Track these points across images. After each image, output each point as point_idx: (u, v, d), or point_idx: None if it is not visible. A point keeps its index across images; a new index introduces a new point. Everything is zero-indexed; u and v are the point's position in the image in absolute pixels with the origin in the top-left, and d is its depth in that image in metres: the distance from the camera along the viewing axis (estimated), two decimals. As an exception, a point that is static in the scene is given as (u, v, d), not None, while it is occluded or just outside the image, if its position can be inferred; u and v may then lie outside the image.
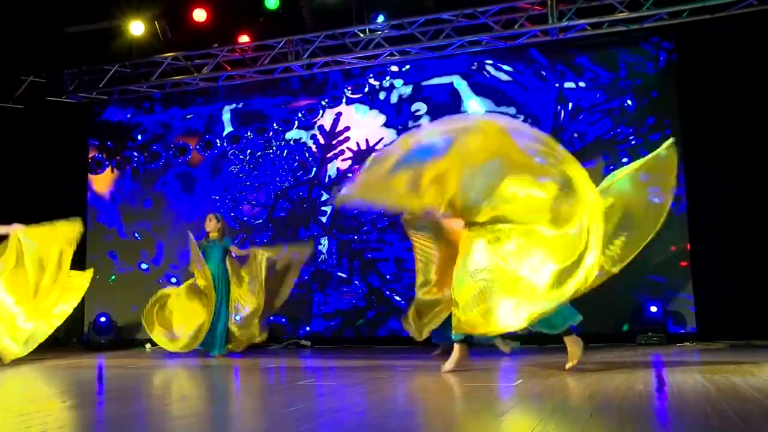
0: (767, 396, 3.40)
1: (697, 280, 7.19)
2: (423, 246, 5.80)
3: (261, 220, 8.91)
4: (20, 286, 6.33)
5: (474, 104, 8.19)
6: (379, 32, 8.16)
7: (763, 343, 6.54)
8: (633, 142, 7.56)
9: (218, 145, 9.24)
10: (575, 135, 7.77)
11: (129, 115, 9.67)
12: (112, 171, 9.63)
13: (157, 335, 7.29)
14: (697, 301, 7.16)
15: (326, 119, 8.80)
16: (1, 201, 8.69)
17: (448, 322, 6.11)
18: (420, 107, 8.40)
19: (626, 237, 4.66)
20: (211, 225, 7.42)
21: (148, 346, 8.86)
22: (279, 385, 4.53)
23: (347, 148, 8.66)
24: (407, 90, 8.50)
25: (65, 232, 6.52)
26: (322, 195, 8.70)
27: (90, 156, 9.70)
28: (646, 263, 7.33)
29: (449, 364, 4.86)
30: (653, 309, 7.01)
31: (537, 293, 4.35)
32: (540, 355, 6.05)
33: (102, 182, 9.64)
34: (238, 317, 7.25)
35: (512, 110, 8.04)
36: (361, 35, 8.25)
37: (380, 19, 8.30)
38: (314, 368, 5.75)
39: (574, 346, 4.77)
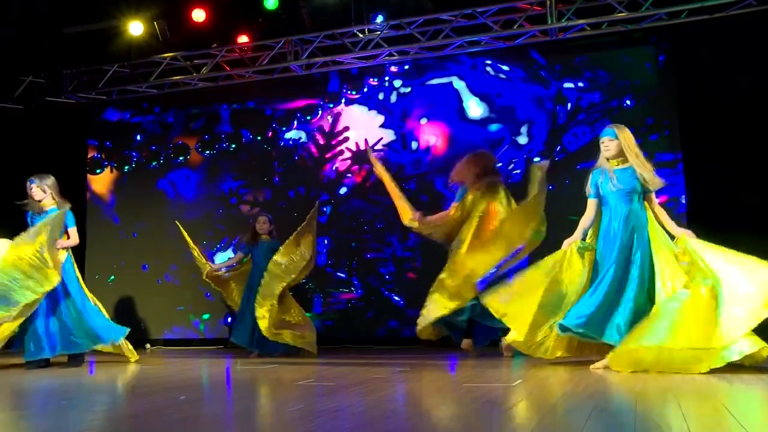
0: (766, 396, 3.41)
1: (696, 280, 7.18)
2: None
3: (260, 221, 8.91)
4: None
5: (473, 105, 8.20)
6: (378, 32, 8.16)
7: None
8: (632, 142, 7.55)
9: (217, 145, 9.24)
10: (574, 135, 7.78)
11: (128, 116, 9.67)
12: (111, 171, 9.63)
13: None
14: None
15: (325, 119, 8.80)
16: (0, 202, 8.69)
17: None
18: (419, 107, 8.42)
19: None
20: (265, 227, 7.37)
21: (147, 346, 8.88)
22: (279, 385, 4.54)
23: (346, 148, 8.66)
24: (406, 90, 8.51)
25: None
26: (320, 195, 8.70)
27: (89, 156, 9.70)
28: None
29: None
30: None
31: None
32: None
33: (101, 182, 9.64)
34: None
35: (511, 111, 8.06)
36: (360, 35, 8.25)
37: (379, 19, 8.30)
38: (314, 368, 5.75)
39: None
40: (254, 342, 7.07)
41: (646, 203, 5.05)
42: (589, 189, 5.15)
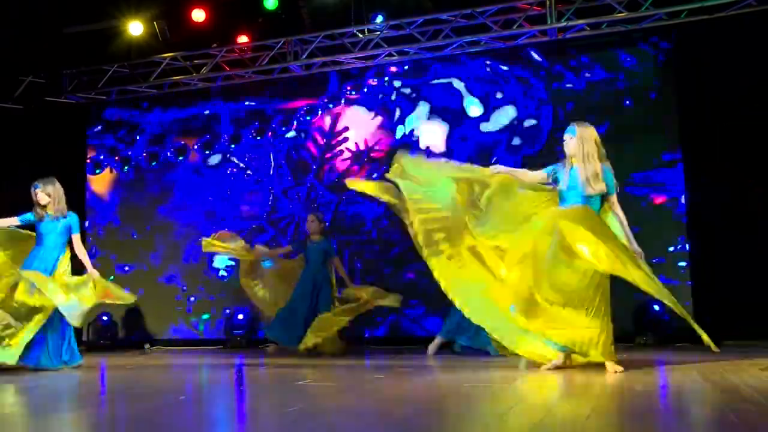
0: (766, 396, 3.40)
1: (697, 281, 7.19)
2: None
3: (260, 221, 8.91)
4: None
5: (472, 105, 8.20)
6: (378, 32, 8.16)
7: (763, 343, 6.54)
8: (631, 143, 7.56)
9: (217, 145, 9.24)
10: (574, 135, 7.77)
11: (128, 116, 9.66)
12: (111, 171, 9.63)
13: None
14: (696, 301, 7.15)
15: (325, 120, 8.80)
16: (-1, 202, 8.70)
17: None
18: (419, 108, 8.42)
19: None
20: (314, 226, 7.29)
21: (147, 346, 8.88)
22: (279, 385, 4.53)
23: (346, 148, 8.66)
24: (406, 90, 8.51)
25: None
26: (321, 195, 8.70)
27: (89, 156, 9.69)
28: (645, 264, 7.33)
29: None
30: (656, 308, 6.96)
31: None
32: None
33: (101, 182, 9.64)
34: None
35: (511, 111, 8.05)
36: (360, 35, 8.25)
37: (379, 19, 8.30)
38: (314, 368, 5.75)
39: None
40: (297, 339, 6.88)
41: (607, 205, 4.90)
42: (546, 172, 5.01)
